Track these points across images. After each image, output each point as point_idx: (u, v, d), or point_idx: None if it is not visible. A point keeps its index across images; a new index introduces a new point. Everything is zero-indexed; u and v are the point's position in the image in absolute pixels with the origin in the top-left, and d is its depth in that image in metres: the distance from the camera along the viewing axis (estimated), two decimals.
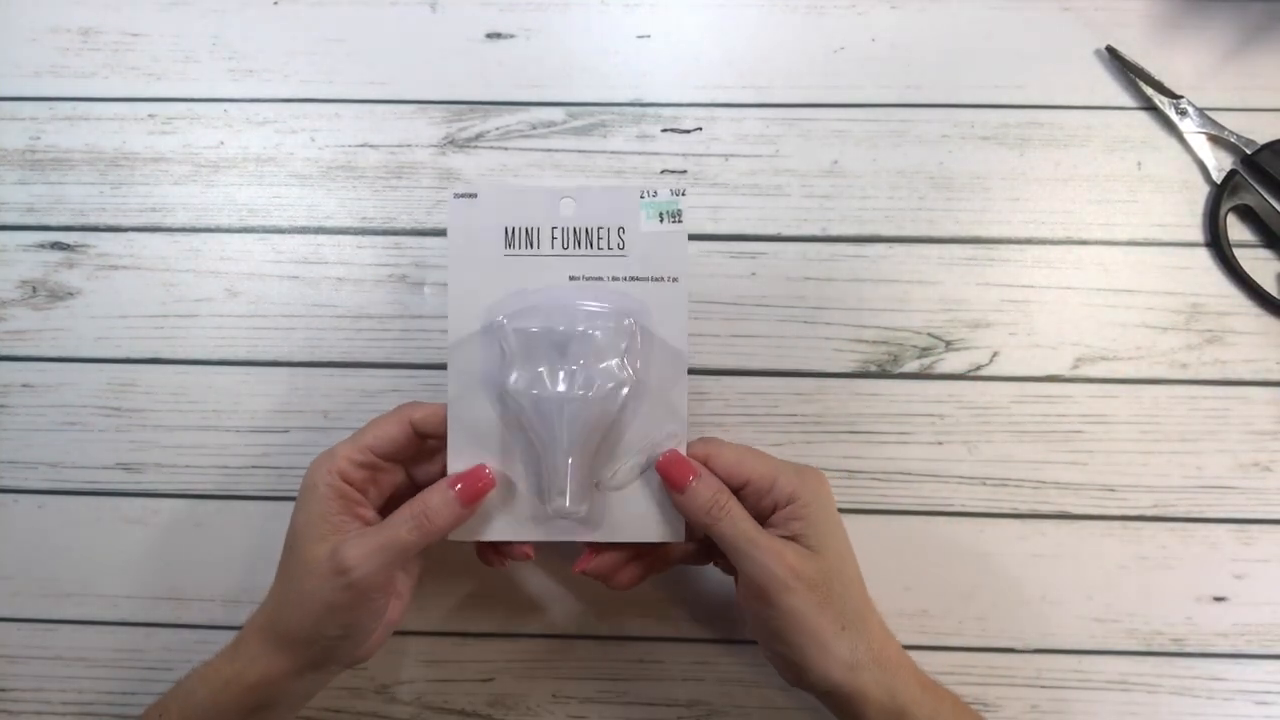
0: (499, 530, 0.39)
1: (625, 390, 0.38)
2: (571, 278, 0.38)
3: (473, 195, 0.38)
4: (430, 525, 0.37)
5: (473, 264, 0.38)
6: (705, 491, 0.37)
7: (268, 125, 0.52)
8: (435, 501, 0.37)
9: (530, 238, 0.38)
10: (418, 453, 0.40)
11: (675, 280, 0.38)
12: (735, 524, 0.36)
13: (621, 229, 0.38)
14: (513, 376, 0.37)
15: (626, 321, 0.38)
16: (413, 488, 0.40)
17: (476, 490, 0.38)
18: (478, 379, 0.39)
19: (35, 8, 0.53)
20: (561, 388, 0.37)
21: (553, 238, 0.38)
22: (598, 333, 0.37)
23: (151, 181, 0.51)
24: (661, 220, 0.38)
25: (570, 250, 0.38)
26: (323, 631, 0.37)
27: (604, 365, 0.37)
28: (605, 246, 0.38)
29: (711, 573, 0.47)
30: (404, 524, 0.37)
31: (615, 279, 0.38)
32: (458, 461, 0.39)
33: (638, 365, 0.38)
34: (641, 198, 0.38)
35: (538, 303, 0.38)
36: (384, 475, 0.40)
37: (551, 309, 0.38)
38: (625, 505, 0.39)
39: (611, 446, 0.39)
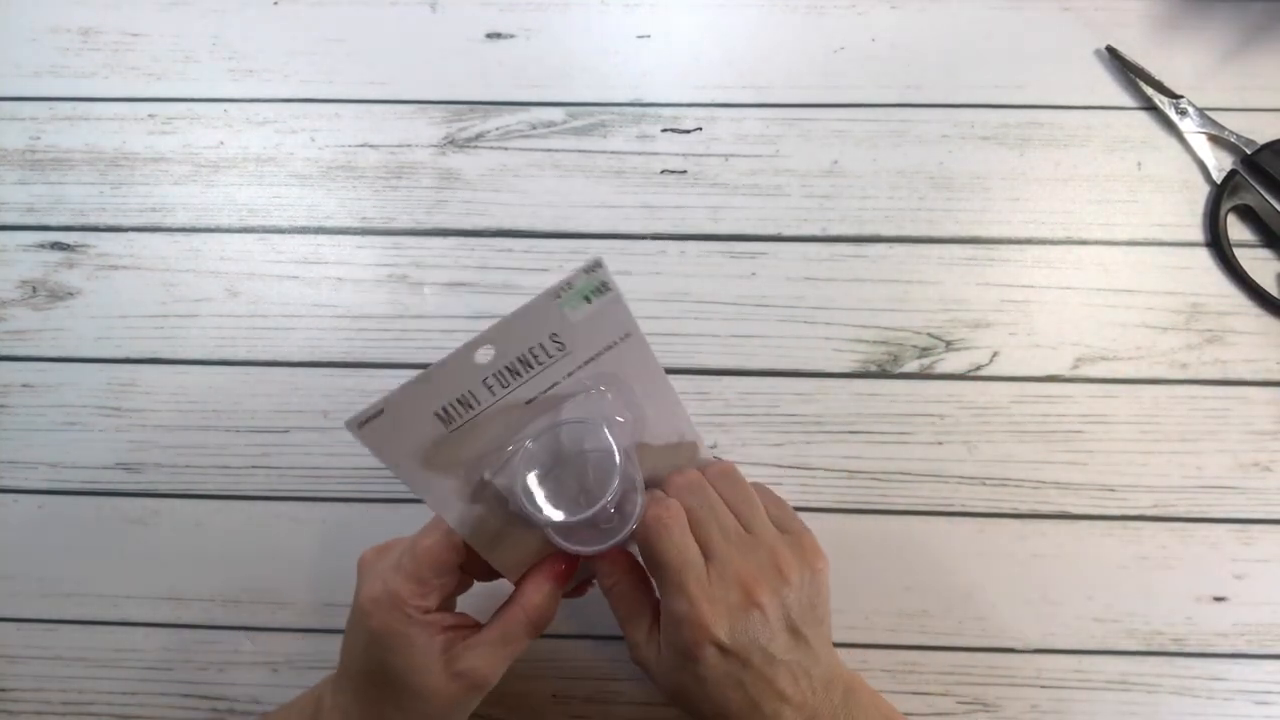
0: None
1: (631, 443, 0.36)
2: (528, 402, 0.35)
3: (378, 413, 0.32)
4: (545, 622, 0.37)
5: (424, 467, 0.35)
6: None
7: (268, 125, 0.52)
8: (543, 602, 0.37)
9: (466, 403, 0.34)
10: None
11: (627, 336, 0.35)
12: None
13: (554, 334, 0.34)
14: (543, 517, 0.35)
15: (598, 389, 0.36)
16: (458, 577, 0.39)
17: (568, 578, 0.38)
18: (494, 528, 0.37)
19: (35, 8, 0.53)
20: (591, 508, 0.35)
21: (488, 387, 0.34)
22: (584, 424, 0.35)
23: (151, 181, 0.51)
24: (590, 301, 0.34)
25: (512, 384, 0.35)
26: None
27: (606, 444, 0.35)
28: (545, 357, 0.35)
29: None
30: (522, 629, 0.36)
31: (570, 374, 0.35)
32: (508, 568, 0.38)
33: (627, 414, 0.37)
34: (558, 298, 0.33)
35: (507, 443, 0.36)
36: (439, 588, 0.37)
37: (528, 435, 0.36)
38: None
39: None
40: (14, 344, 0.50)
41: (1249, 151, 0.49)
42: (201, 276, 0.50)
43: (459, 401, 0.34)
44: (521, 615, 0.37)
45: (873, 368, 0.48)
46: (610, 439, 0.35)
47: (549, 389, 0.35)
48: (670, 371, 0.48)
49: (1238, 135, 0.49)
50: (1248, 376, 0.48)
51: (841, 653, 0.47)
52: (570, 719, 0.47)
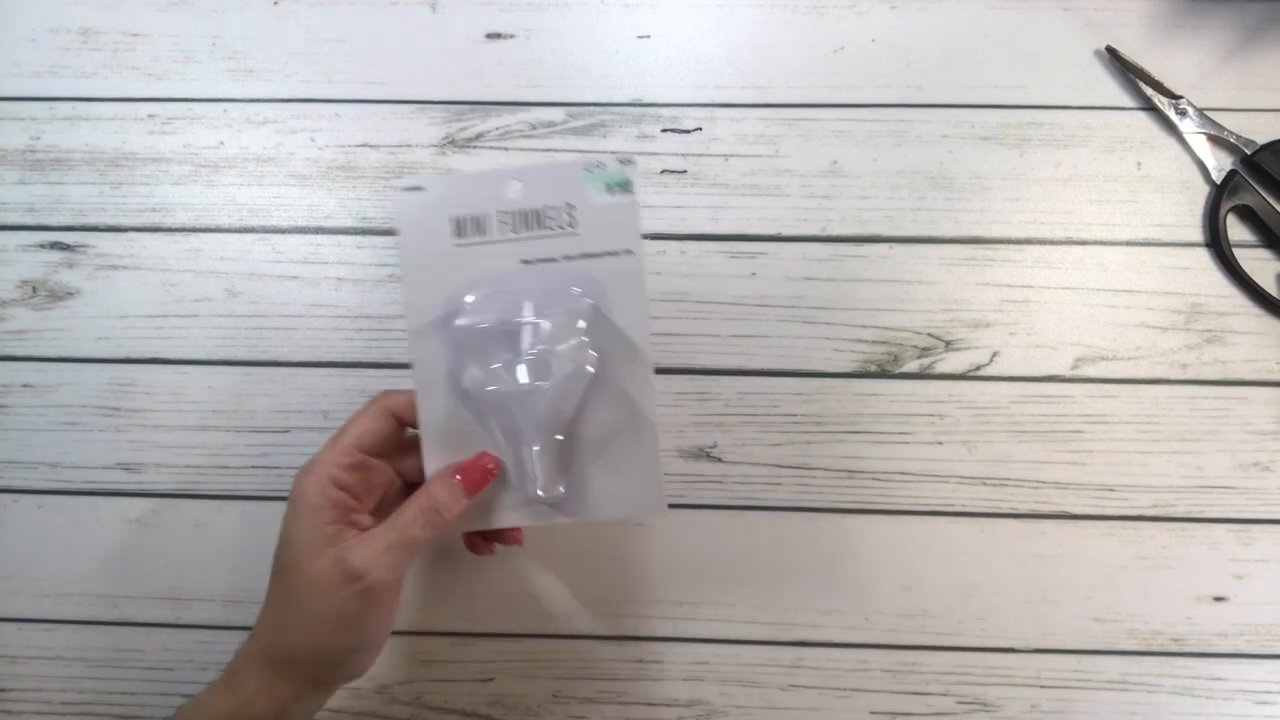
0: (489, 519, 0.39)
1: (589, 369, 0.37)
2: (524, 261, 0.37)
3: (419, 188, 0.37)
4: (440, 519, 0.36)
5: (424, 258, 0.37)
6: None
7: (268, 125, 0.52)
8: (443, 495, 0.36)
9: (479, 225, 0.37)
10: (400, 445, 0.39)
11: (630, 253, 0.37)
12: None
13: (570, 205, 0.37)
14: (467, 375, 0.37)
15: (578, 296, 0.37)
16: (402, 483, 0.40)
17: (482, 478, 0.37)
18: (441, 374, 0.38)
19: (35, 8, 0.53)
20: (522, 380, 0.36)
21: (500, 222, 0.37)
22: (549, 320, 0.36)
23: (151, 181, 0.51)
24: (610, 192, 0.37)
25: (521, 234, 0.37)
26: (335, 646, 0.36)
27: (561, 349, 0.36)
28: (556, 226, 0.37)
29: (712, 572, 0.47)
30: (414, 521, 0.36)
31: (568, 258, 0.37)
32: (434, 457, 0.38)
33: (599, 345, 0.37)
34: (587, 171, 0.36)
35: (490, 292, 0.37)
36: (375, 474, 0.38)
37: (504, 297, 0.37)
38: (601, 485, 0.38)
39: (581, 429, 0.38)
40: (14, 344, 0.50)
41: (1249, 152, 0.49)
42: (201, 276, 0.50)
43: (474, 220, 0.37)
44: (415, 507, 0.36)
45: (873, 368, 0.48)
46: (563, 311, 0.37)
47: (547, 259, 0.37)
48: (670, 371, 0.48)
49: (1237, 135, 0.49)
50: (1248, 376, 0.48)
51: (841, 653, 0.47)
52: (570, 719, 0.47)
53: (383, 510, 0.38)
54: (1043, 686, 0.46)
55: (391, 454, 0.39)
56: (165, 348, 0.50)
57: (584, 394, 0.37)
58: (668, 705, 0.47)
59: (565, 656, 0.47)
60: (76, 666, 0.48)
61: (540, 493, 0.37)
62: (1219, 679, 0.46)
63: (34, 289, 0.50)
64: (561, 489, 0.38)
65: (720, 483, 0.48)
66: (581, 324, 0.37)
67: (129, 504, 0.49)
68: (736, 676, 0.47)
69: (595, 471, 0.38)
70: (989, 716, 0.46)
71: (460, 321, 0.37)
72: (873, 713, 0.46)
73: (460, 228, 0.37)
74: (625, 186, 0.36)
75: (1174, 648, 0.46)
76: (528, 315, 0.36)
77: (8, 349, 0.50)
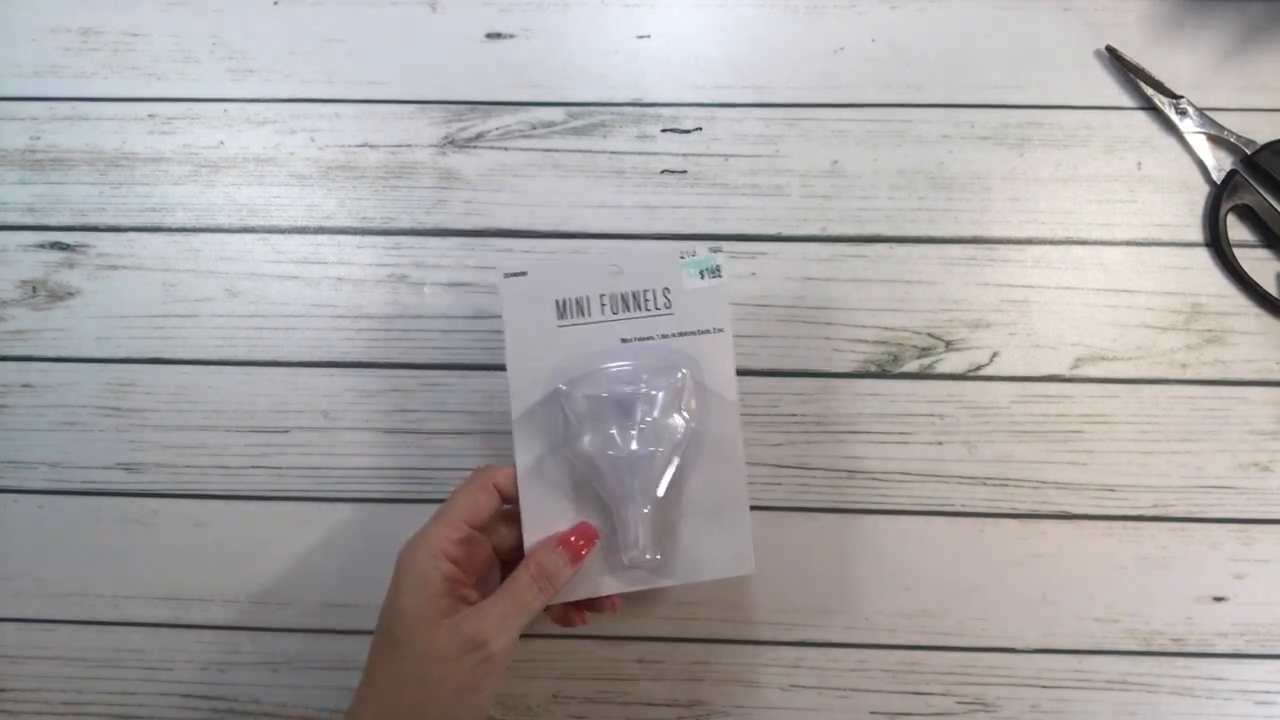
0: (588, 587, 0.40)
1: (686, 441, 0.40)
2: (623, 340, 0.40)
3: (522, 274, 0.40)
4: (550, 587, 0.37)
5: (528, 337, 0.40)
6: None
7: (268, 125, 0.52)
8: (551, 563, 0.38)
9: (581, 307, 0.40)
10: (498, 518, 0.40)
11: (720, 331, 0.40)
12: None
13: (666, 289, 0.40)
14: (585, 440, 0.39)
15: (680, 374, 0.40)
16: (496, 558, 0.40)
17: (585, 546, 0.38)
18: (544, 446, 0.40)
19: (35, 8, 0.53)
20: (634, 446, 0.38)
21: (602, 304, 0.40)
22: (659, 392, 0.39)
23: (151, 181, 0.51)
24: (703, 277, 0.40)
25: (620, 314, 0.40)
26: (454, 716, 0.36)
27: (669, 420, 0.39)
28: (652, 307, 0.40)
29: None
30: (527, 589, 0.37)
31: (664, 336, 0.40)
32: (534, 527, 0.40)
33: (695, 415, 0.40)
34: (681, 259, 0.40)
35: (594, 367, 0.40)
36: (478, 549, 0.39)
37: (609, 372, 0.40)
38: (693, 548, 0.40)
39: (676, 495, 0.40)
40: (14, 344, 0.50)
41: (1249, 151, 0.49)
42: (201, 276, 0.50)
43: (575, 302, 0.40)
44: (526, 575, 0.37)
45: (873, 368, 0.48)
46: (671, 382, 0.40)
47: (644, 338, 0.40)
48: None
49: (1237, 135, 0.49)
50: (1248, 376, 0.48)
51: (841, 653, 0.47)
52: (570, 719, 0.47)
53: (483, 584, 0.39)
54: (1043, 686, 0.46)
55: (488, 528, 0.40)
56: (165, 348, 0.50)
57: (682, 459, 0.40)
58: (668, 705, 0.47)
59: (565, 656, 0.47)
60: (76, 666, 0.48)
61: (645, 555, 0.39)
62: (1219, 679, 0.46)
63: (34, 289, 0.50)
64: (659, 555, 0.39)
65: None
66: (682, 399, 0.40)
67: (129, 504, 0.49)
68: (736, 676, 0.47)
69: (688, 534, 0.40)
70: (989, 716, 0.46)
71: (580, 392, 0.39)
72: (873, 713, 0.46)
73: (562, 309, 0.40)
74: (715, 272, 0.40)
75: (1174, 648, 0.46)
76: (642, 388, 0.39)
77: (8, 349, 0.50)
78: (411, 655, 0.35)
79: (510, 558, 0.40)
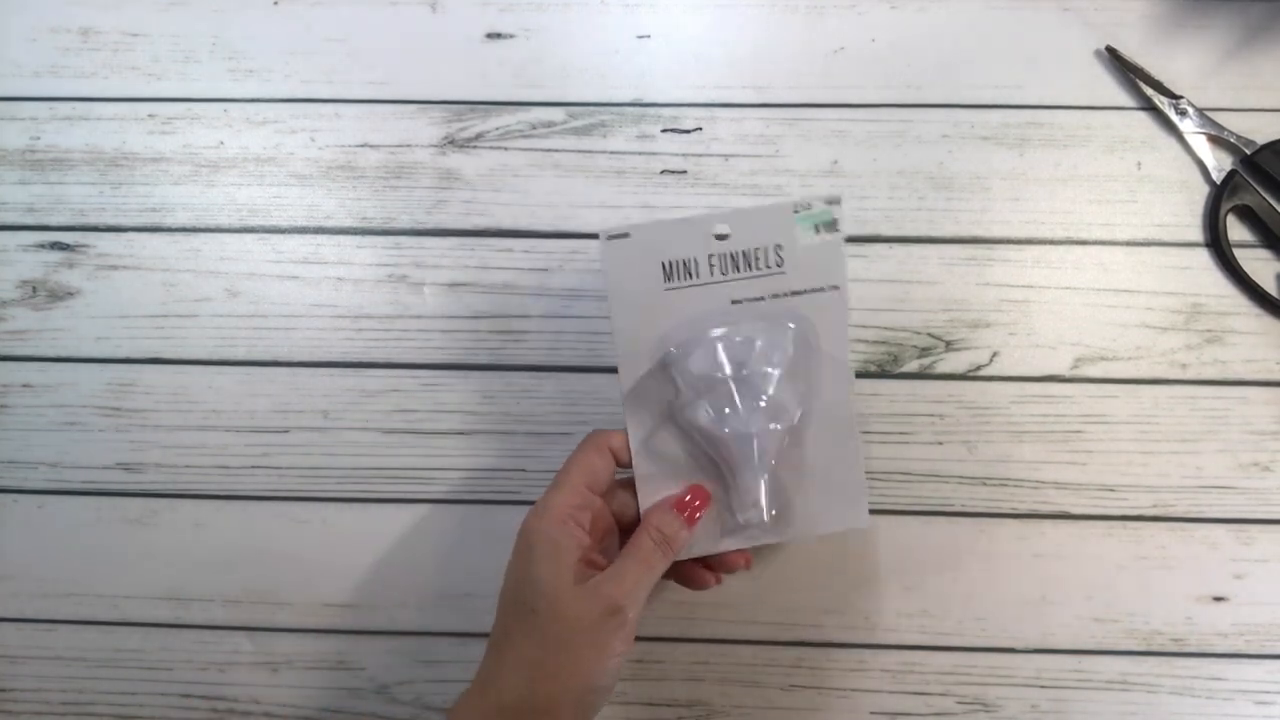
0: (701, 547, 0.40)
1: (802, 409, 0.39)
2: (734, 301, 0.39)
3: (625, 235, 0.38)
4: (670, 549, 0.37)
5: (633, 302, 0.38)
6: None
7: (268, 125, 0.52)
8: (669, 525, 0.38)
9: (689, 268, 0.38)
10: (613, 483, 0.40)
11: (836, 288, 0.39)
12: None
13: (779, 246, 0.38)
14: (700, 414, 0.38)
15: (791, 329, 0.39)
16: (614, 522, 0.40)
17: (700, 509, 0.39)
18: (656, 413, 0.39)
19: (35, 8, 0.53)
20: (753, 427, 0.38)
21: (710, 265, 0.38)
22: (776, 369, 0.38)
23: (151, 181, 0.51)
24: (818, 231, 0.38)
25: (730, 275, 0.38)
26: (599, 684, 0.36)
27: (787, 392, 0.38)
28: (764, 266, 0.38)
29: None
30: (651, 552, 0.37)
31: (776, 296, 0.39)
32: (649, 491, 0.39)
33: (808, 380, 0.39)
34: (795, 212, 0.38)
35: (704, 331, 0.38)
36: (599, 513, 0.39)
37: (720, 337, 0.38)
38: (808, 504, 0.40)
39: (790, 454, 0.40)
40: (14, 344, 0.50)
41: (1249, 152, 0.49)
42: (201, 276, 0.50)
43: (683, 264, 0.38)
44: (647, 539, 0.37)
45: (873, 368, 0.48)
46: (787, 354, 0.38)
47: (756, 299, 0.38)
48: None
49: (1237, 135, 0.49)
50: (1248, 376, 0.48)
51: (841, 653, 0.47)
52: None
53: (605, 548, 0.39)
54: (1043, 686, 0.46)
55: (606, 494, 0.40)
56: (165, 348, 0.50)
57: (797, 423, 0.39)
58: (668, 705, 0.47)
59: None
60: (76, 666, 0.48)
61: (763, 517, 0.39)
62: (1219, 679, 0.46)
63: (34, 289, 0.50)
64: (771, 510, 0.39)
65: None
66: (796, 360, 0.39)
67: (129, 504, 0.49)
68: (736, 676, 0.47)
69: (801, 490, 0.40)
70: (989, 716, 0.46)
71: (693, 364, 0.38)
72: (873, 713, 0.46)
73: (670, 271, 0.38)
74: (831, 226, 0.38)
75: (1174, 648, 0.46)
76: (759, 360, 0.38)
77: (8, 349, 0.50)
78: (554, 622, 0.35)
79: (627, 523, 0.40)
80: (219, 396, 0.49)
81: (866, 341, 0.49)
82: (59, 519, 0.49)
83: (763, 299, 0.38)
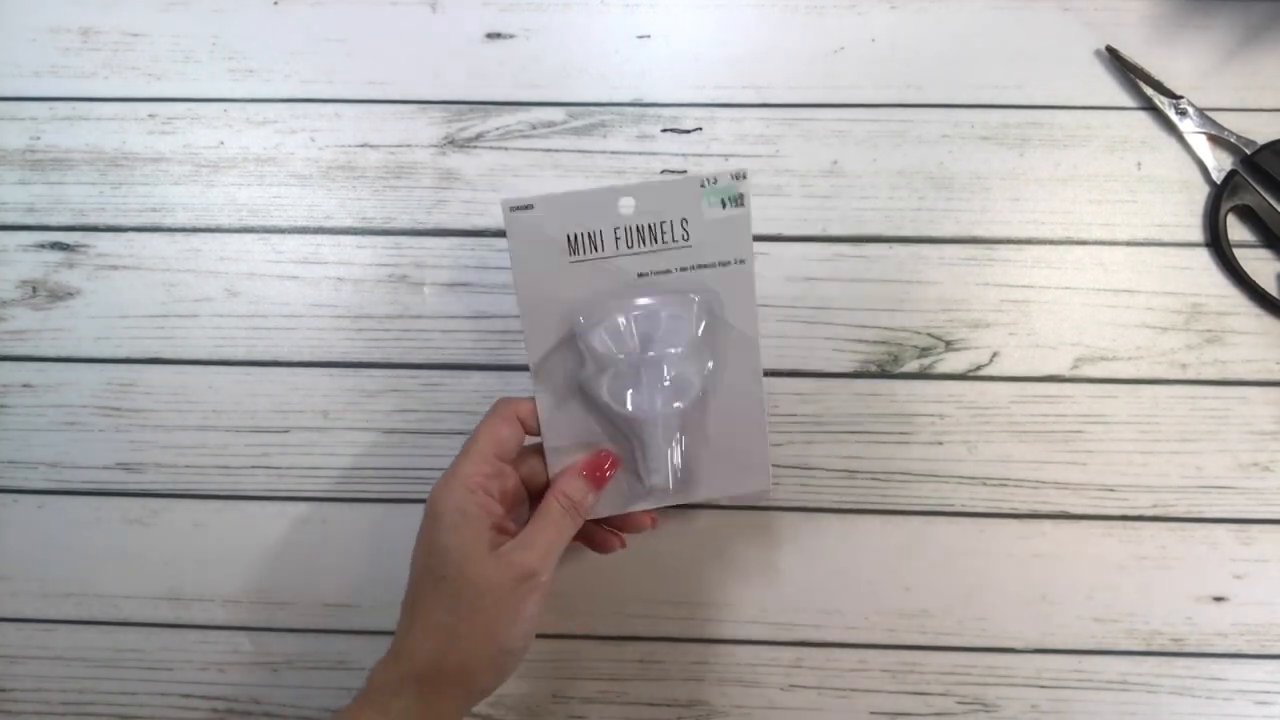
0: (609, 508, 0.41)
1: (709, 385, 0.40)
2: (640, 274, 0.39)
3: (528, 206, 0.37)
4: (578, 514, 0.38)
5: (539, 273, 0.38)
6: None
7: (268, 125, 0.52)
8: (576, 490, 0.38)
9: (593, 241, 0.38)
10: (521, 451, 0.41)
11: (742, 262, 0.39)
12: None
13: (685, 220, 0.38)
14: (604, 390, 0.39)
15: (695, 301, 0.39)
16: (523, 489, 0.41)
17: (606, 473, 0.39)
18: (562, 383, 0.40)
19: (35, 8, 0.53)
20: (658, 403, 0.38)
21: (616, 238, 0.38)
22: (679, 348, 0.38)
23: (151, 181, 0.51)
24: (724, 206, 0.38)
25: (635, 248, 0.38)
26: (511, 648, 0.37)
27: (690, 368, 0.39)
28: (669, 240, 0.38)
29: (712, 572, 0.47)
30: (559, 519, 0.38)
31: (683, 270, 0.39)
32: (557, 459, 0.40)
33: (714, 354, 0.40)
34: (702, 187, 0.38)
35: (609, 304, 0.39)
36: (508, 481, 0.39)
37: (625, 309, 0.39)
38: (714, 467, 0.41)
39: (697, 421, 0.40)
40: (14, 344, 0.50)
41: (1249, 151, 0.49)
42: (201, 276, 0.50)
43: (588, 236, 0.38)
44: (555, 504, 0.38)
45: (873, 368, 0.48)
46: (691, 330, 0.39)
47: (661, 271, 0.38)
48: None
49: (1237, 135, 0.49)
50: (1248, 376, 0.48)
51: (841, 653, 0.47)
52: (570, 719, 0.47)
53: (514, 515, 0.39)
54: (1043, 686, 0.46)
55: (515, 461, 0.40)
56: (165, 348, 0.50)
57: (703, 392, 0.40)
58: (668, 705, 0.47)
59: (565, 656, 0.47)
60: (76, 666, 0.48)
61: (670, 484, 0.40)
62: (1219, 679, 0.46)
63: (34, 289, 0.50)
64: (676, 475, 0.40)
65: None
66: (699, 330, 0.39)
67: (129, 504, 0.49)
68: (736, 676, 0.47)
69: (709, 454, 0.41)
70: (989, 716, 0.46)
71: (598, 340, 0.38)
72: (873, 713, 0.46)
73: (574, 244, 0.38)
74: (739, 201, 0.38)
75: (1174, 648, 0.46)
76: (663, 337, 0.38)
77: (8, 349, 0.50)
78: (464, 588, 0.36)
79: (536, 489, 0.41)
80: (219, 396, 0.49)
81: (866, 341, 0.49)
82: (59, 519, 0.49)
83: (669, 272, 0.39)
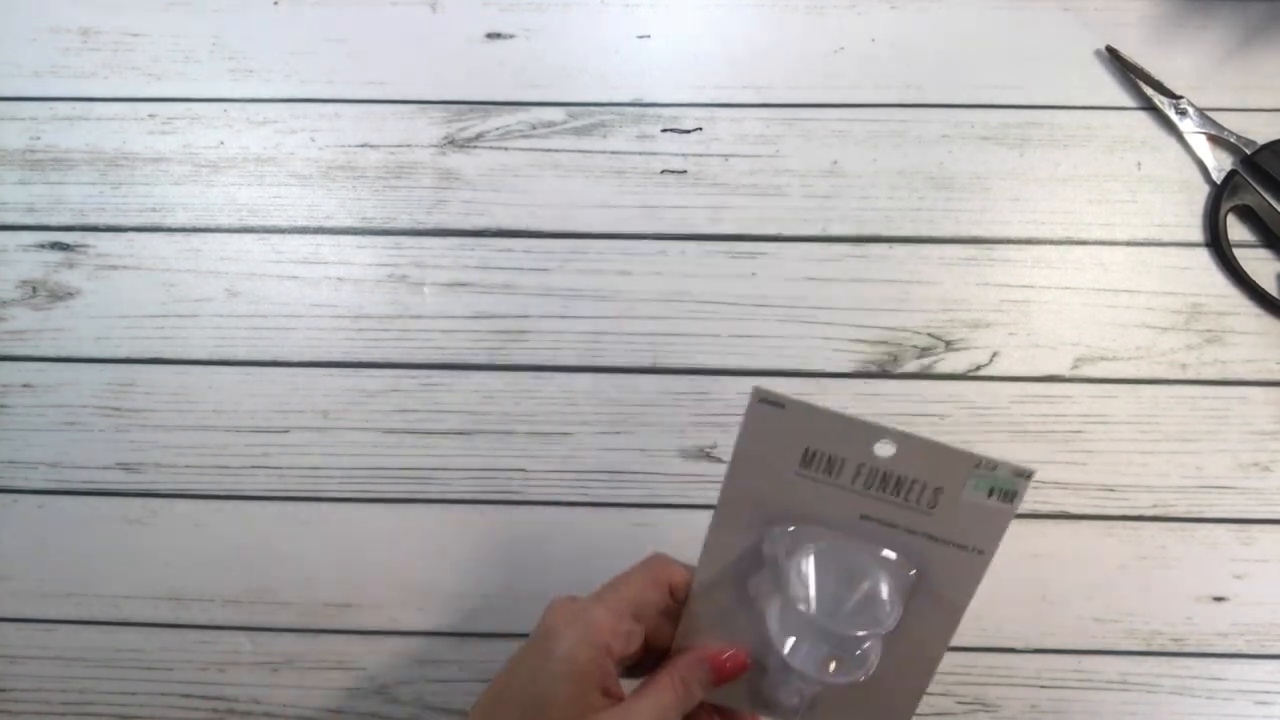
0: (728, 698, 0.37)
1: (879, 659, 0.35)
2: (863, 517, 0.34)
3: (779, 405, 0.33)
4: (689, 699, 0.35)
5: (759, 470, 0.35)
6: None
7: (268, 125, 0.52)
8: (695, 676, 0.35)
9: (832, 466, 0.34)
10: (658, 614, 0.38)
11: (980, 553, 0.34)
12: None
13: (939, 490, 0.33)
14: (773, 616, 0.34)
15: (912, 575, 0.34)
16: (645, 648, 0.38)
17: (733, 674, 0.36)
18: (729, 569, 0.36)
19: (35, 8, 0.53)
20: (816, 667, 0.34)
21: (856, 473, 0.34)
22: (871, 627, 0.33)
23: (151, 181, 0.51)
24: (990, 495, 0.33)
25: (872, 491, 0.34)
26: None
27: (872, 654, 0.34)
28: (913, 499, 0.34)
29: None
30: (667, 698, 0.34)
31: (912, 533, 0.34)
32: (689, 630, 0.37)
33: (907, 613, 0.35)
34: (976, 468, 0.33)
35: (820, 533, 0.35)
36: (633, 642, 0.36)
37: (837, 551, 0.34)
38: (849, 703, 0.37)
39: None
40: (14, 344, 0.50)
41: (1249, 151, 0.49)
42: (201, 276, 0.50)
43: (828, 458, 0.34)
44: (669, 683, 0.35)
45: (873, 368, 0.48)
46: (893, 617, 0.33)
47: (889, 524, 0.34)
48: (670, 372, 0.48)
49: (1237, 135, 0.49)
50: (1248, 376, 0.48)
51: None
52: None
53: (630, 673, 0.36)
54: (1043, 686, 0.46)
55: (650, 620, 0.37)
56: (165, 348, 0.50)
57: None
58: None
59: None
60: (76, 666, 0.48)
61: (784, 698, 0.36)
62: (1219, 679, 0.46)
63: (34, 289, 0.50)
64: (807, 702, 0.36)
65: (720, 483, 0.48)
66: (900, 607, 0.34)
67: (129, 504, 0.49)
68: None
69: (850, 694, 0.36)
70: (989, 716, 0.46)
71: (790, 575, 0.34)
72: None
73: (809, 459, 0.34)
74: (1009, 497, 0.33)
75: (1174, 648, 0.46)
76: (854, 614, 0.33)
77: (8, 349, 0.50)
78: None
79: (655, 646, 0.37)
80: (219, 396, 0.49)
81: (866, 341, 0.49)
82: (59, 519, 0.49)
83: (896, 528, 0.34)
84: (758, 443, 0.34)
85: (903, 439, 0.33)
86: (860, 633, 0.33)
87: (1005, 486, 0.33)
